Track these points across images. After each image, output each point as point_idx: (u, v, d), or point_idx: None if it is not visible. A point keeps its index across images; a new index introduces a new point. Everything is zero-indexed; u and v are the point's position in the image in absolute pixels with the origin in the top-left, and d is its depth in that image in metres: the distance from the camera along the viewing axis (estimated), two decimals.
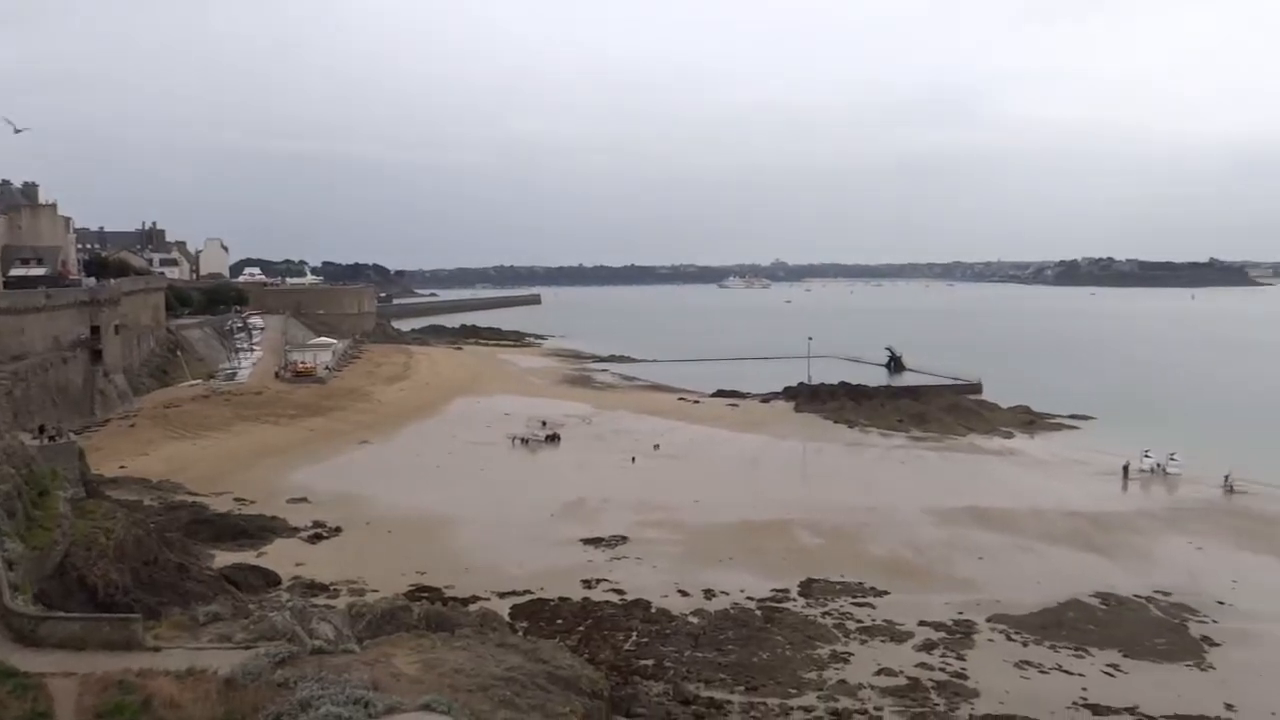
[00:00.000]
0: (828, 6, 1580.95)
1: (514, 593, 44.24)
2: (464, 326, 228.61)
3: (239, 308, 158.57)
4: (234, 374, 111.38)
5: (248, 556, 48.49)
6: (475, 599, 42.80)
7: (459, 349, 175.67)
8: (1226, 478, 68.71)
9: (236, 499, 60.51)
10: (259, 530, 53.21)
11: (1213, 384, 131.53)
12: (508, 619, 39.97)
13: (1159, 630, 41.08)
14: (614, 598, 44.11)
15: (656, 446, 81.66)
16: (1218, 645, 39.47)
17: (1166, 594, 45.56)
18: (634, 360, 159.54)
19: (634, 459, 76.24)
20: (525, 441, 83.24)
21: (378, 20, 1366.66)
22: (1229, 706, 33.60)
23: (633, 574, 47.66)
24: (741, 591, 44.84)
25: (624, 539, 53.78)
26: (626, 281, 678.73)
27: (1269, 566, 51.07)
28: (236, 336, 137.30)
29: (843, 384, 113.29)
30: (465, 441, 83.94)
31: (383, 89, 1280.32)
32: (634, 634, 39.53)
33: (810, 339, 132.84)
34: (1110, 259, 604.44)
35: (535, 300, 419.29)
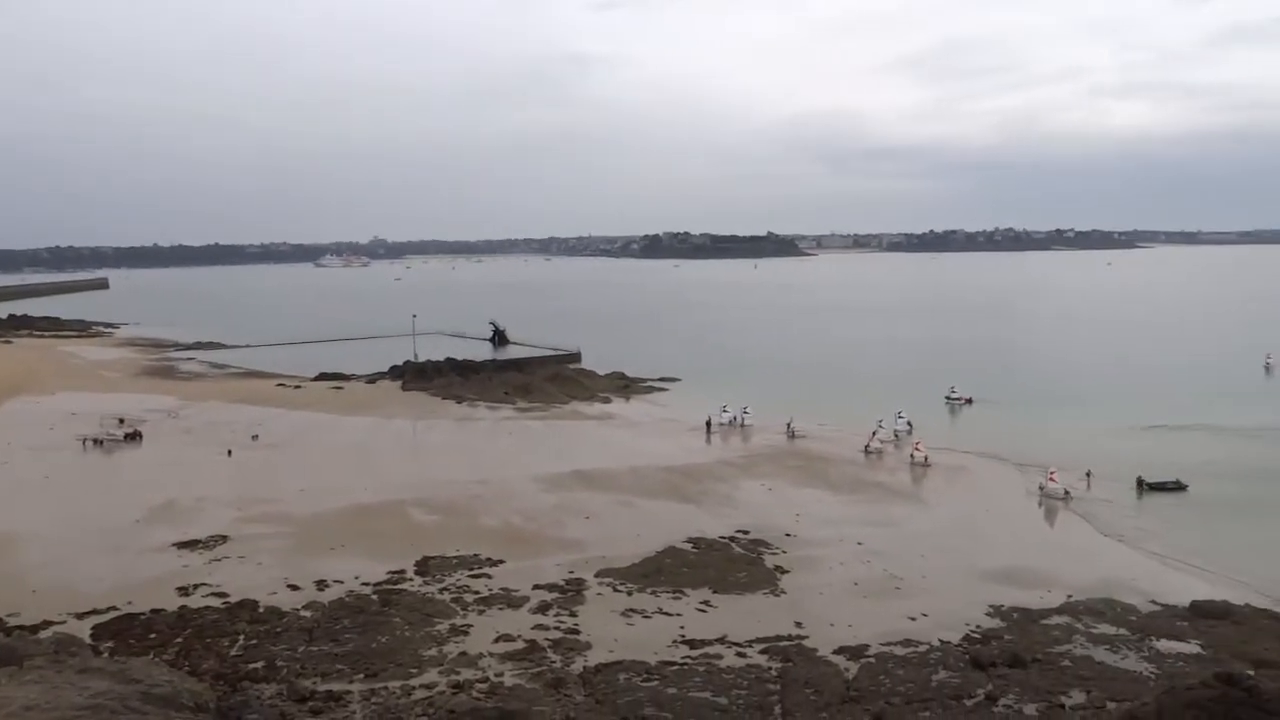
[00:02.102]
0: None
1: (95, 611, 39.60)
2: (12, 316, 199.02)
3: None
4: None
5: None
6: (47, 624, 37.76)
7: (8, 342, 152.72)
8: (789, 425, 78.45)
9: None
10: None
11: (775, 342, 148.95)
12: (89, 641, 35.76)
13: (741, 566, 46.03)
14: (216, 602, 41.05)
15: (255, 437, 76.84)
16: (788, 573, 45.04)
17: (746, 532, 51.13)
18: (224, 346, 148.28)
19: (230, 452, 71.17)
20: (99, 442, 74.50)
21: None
22: (798, 624, 38.51)
23: (236, 574, 44.64)
24: (356, 578, 43.71)
25: (224, 538, 50.16)
26: (211, 262, 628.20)
27: (822, 499, 59.09)
28: None
29: (449, 360, 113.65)
30: (23, 448, 73.38)
31: None
32: (241, 637, 37.11)
33: (415, 316, 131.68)
34: (688, 233, 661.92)
35: (102, 284, 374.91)
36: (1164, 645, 36.35)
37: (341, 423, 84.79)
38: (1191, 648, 36.05)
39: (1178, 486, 59.93)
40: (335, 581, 43.30)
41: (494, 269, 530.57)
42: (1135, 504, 58.18)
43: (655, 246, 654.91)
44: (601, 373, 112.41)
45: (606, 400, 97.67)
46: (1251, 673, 30.67)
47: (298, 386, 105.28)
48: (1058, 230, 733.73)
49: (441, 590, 42.56)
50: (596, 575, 44.43)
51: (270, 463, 68.63)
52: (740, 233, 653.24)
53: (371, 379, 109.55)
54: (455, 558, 46.83)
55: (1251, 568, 45.74)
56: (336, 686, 32.65)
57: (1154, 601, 40.99)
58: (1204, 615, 39.15)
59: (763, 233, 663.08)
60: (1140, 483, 60.45)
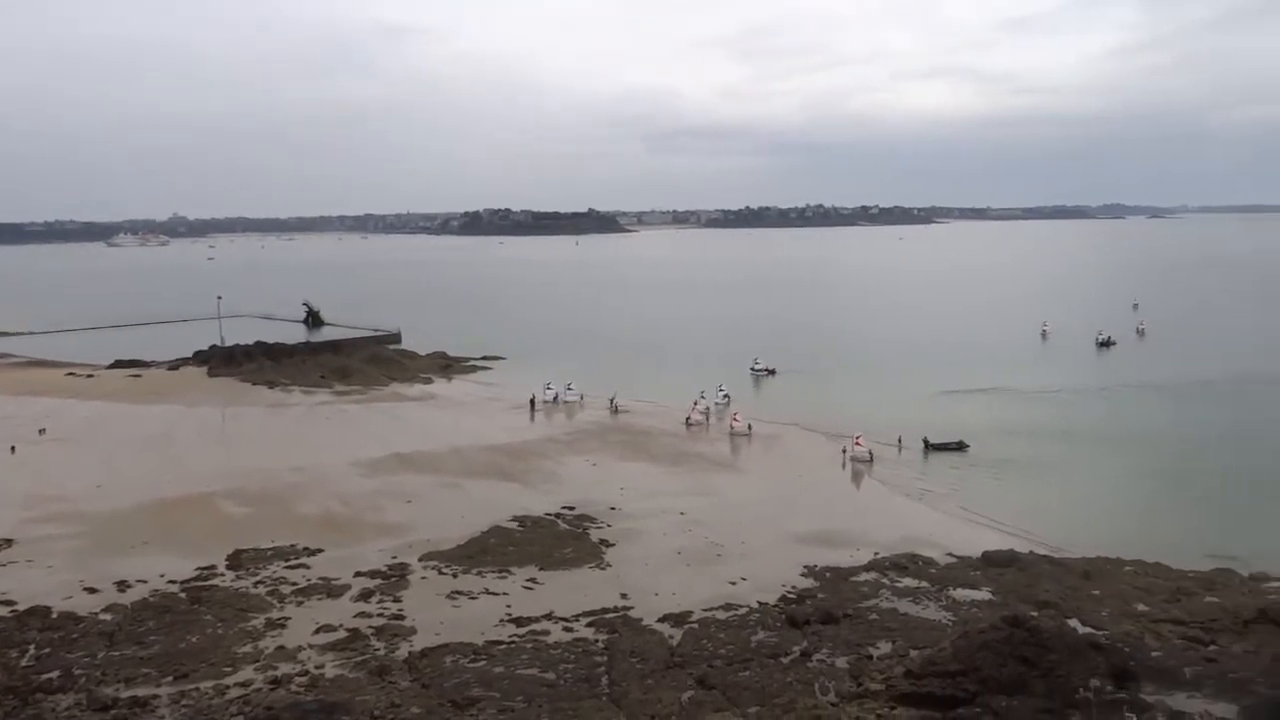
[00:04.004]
0: None
1: None
2: None
3: None
4: None
5: None
6: None
7: None
8: (612, 400, 79.39)
9: None
10: None
11: (597, 318, 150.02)
12: None
13: (567, 541, 46.40)
14: (2, 610, 37.96)
15: (42, 431, 71.25)
16: (613, 546, 45.73)
17: (571, 508, 51.51)
18: (4, 334, 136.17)
19: (13, 448, 65.69)
20: None
21: None
22: (624, 596, 39.21)
23: (24, 580, 41.35)
24: (162, 576, 41.36)
25: (8, 542, 46.36)
26: None
27: (645, 472, 60.22)
28: None
29: (259, 344, 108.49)
30: None
31: None
32: (32, 647, 34.48)
33: (220, 298, 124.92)
34: (509, 210, 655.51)
35: None
36: (960, 594, 39.16)
37: (141, 412, 79.69)
38: (984, 594, 38.99)
39: (960, 446, 64.47)
40: (138, 581, 40.81)
41: (306, 247, 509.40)
42: (925, 464, 62.11)
43: (476, 224, 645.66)
44: (423, 353, 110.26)
45: (428, 381, 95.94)
46: (1034, 613, 33.57)
47: (90, 375, 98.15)
48: (863, 207, 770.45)
49: (256, 584, 40.87)
50: (420, 559, 43.75)
51: (60, 458, 63.85)
52: (562, 210, 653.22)
53: (174, 365, 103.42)
54: (270, 549, 45.03)
55: (1032, 518, 49.94)
56: (142, 691, 30.90)
57: (950, 554, 44.04)
58: (994, 564, 42.38)
59: (584, 209, 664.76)
60: (926, 443, 64.72)
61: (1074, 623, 34.50)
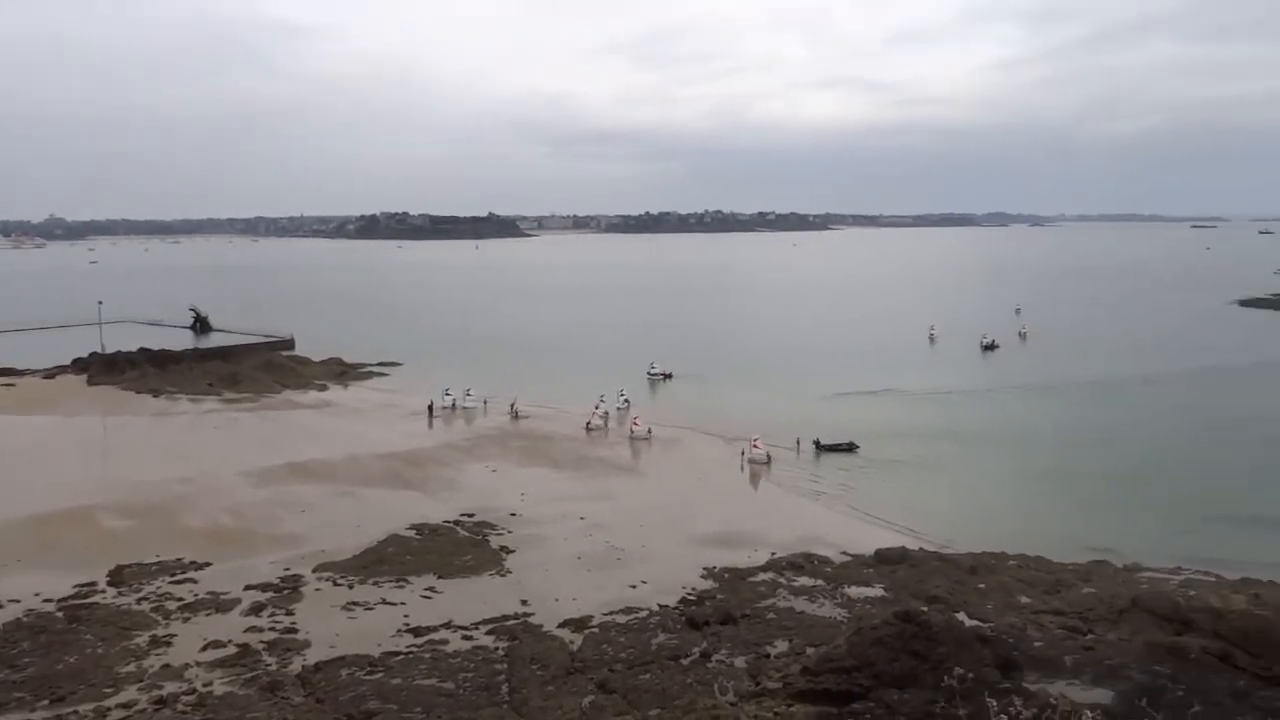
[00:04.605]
0: None
1: None
2: None
3: None
4: None
5: None
6: None
7: None
8: (512, 405, 78.89)
9: None
10: None
11: (496, 323, 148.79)
12: None
13: (466, 549, 45.89)
14: None
15: None
16: (513, 552, 45.43)
17: (471, 515, 50.99)
18: None
19: None
20: None
21: None
22: (524, 603, 38.99)
23: None
24: (36, 595, 39.39)
25: None
26: None
27: (546, 477, 60.02)
28: None
29: (143, 350, 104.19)
30: None
31: None
32: None
33: (100, 303, 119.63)
34: (406, 214, 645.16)
35: None
36: (854, 591, 40.14)
37: (14, 423, 75.74)
38: (876, 591, 40.05)
39: (850, 448, 66.17)
40: (10, 601, 38.77)
41: (194, 251, 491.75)
42: (818, 465, 63.49)
43: (372, 227, 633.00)
44: (317, 359, 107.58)
45: (323, 388, 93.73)
46: (925, 608, 34.60)
47: None
48: (761, 213, 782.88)
49: (140, 600, 39.28)
50: (315, 570, 42.71)
51: None
52: (461, 213, 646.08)
53: (50, 374, 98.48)
54: (155, 564, 43.35)
55: (921, 516, 51.58)
56: (16, 716, 29.38)
57: (844, 553, 45.12)
58: (886, 561, 43.61)
59: (484, 213, 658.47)
60: (817, 444, 66.24)
61: (962, 616, 35.72)
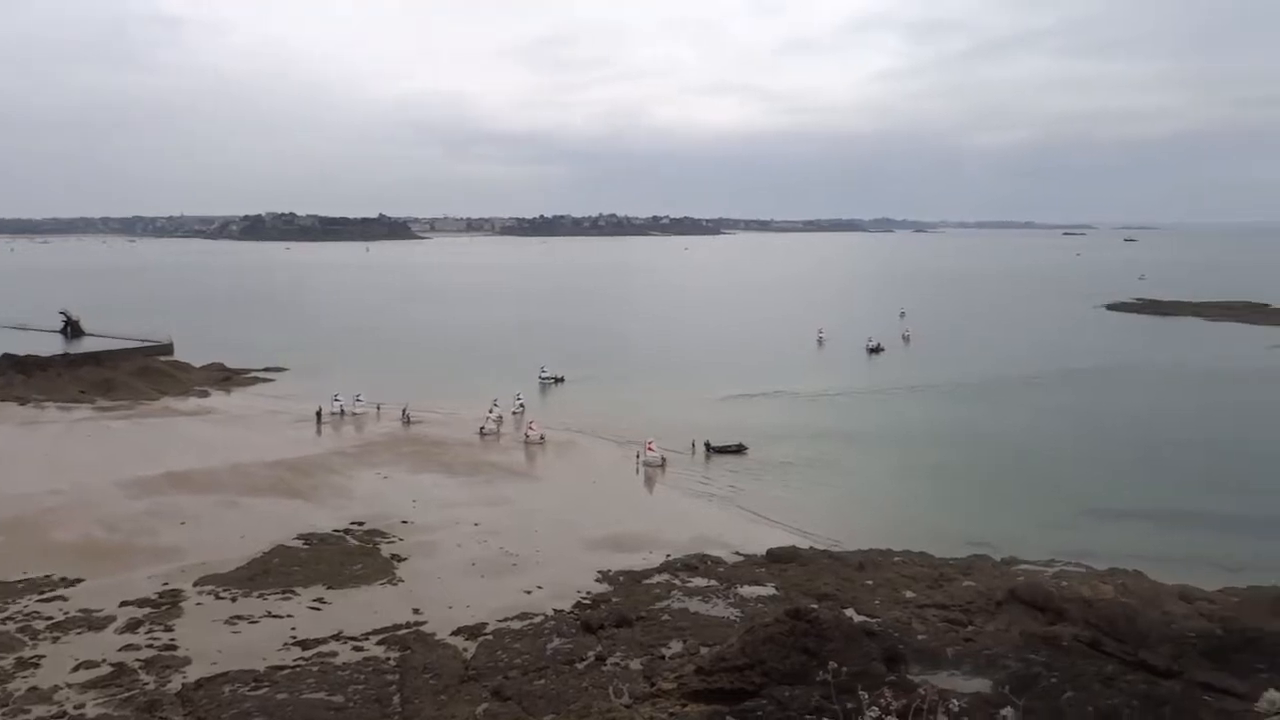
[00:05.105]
0: None
1: None
2: None
3: None
4: None
5: None
6: None
7: None
8: (404, 410, 77.55)
9: None
10: None
11: (387, 326, 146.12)
12: None
13: (356, 558, 44.93)
14: None
15: None
16: (405, 560, 44.68)
17: (361, 523, 49.92)
18: None
19: None
20: None
21: None
22: (416, 611, 38.39)
23: None
24: None
25: None
26: None
27: (439, 483, 59.21)
28: None
29: (8, 356, 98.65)
30: None
31: None
32: None
33: None
34: (293, 214, 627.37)
35: None
36: (747, 591, 40.80)
37: None
38: (769, 590, 40.79)
39: (739, 449, 67.24)
40: None
41: (65, 251, 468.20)
42: (709, 467, 64.30)
43: (258, 228, 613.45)
44: (198, 365, 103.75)
45: (205, 394, 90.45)
46: (815, 605, 35.39)
47: None
48: (655, 217, 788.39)
49: (4, 620, 37.20)
50: (196, 584, 41.18)
51: None
52: (351, 214, 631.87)
53: None
54: (20, 582, 41.09)
55: (811, 515, 52.80)
56: None
57: (737, 553, 45.81)
58: (777, 560, 44.46)
59: (374, 215, 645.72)
60: (708, 446, 67.10)
61: (850, 612, 36.68)
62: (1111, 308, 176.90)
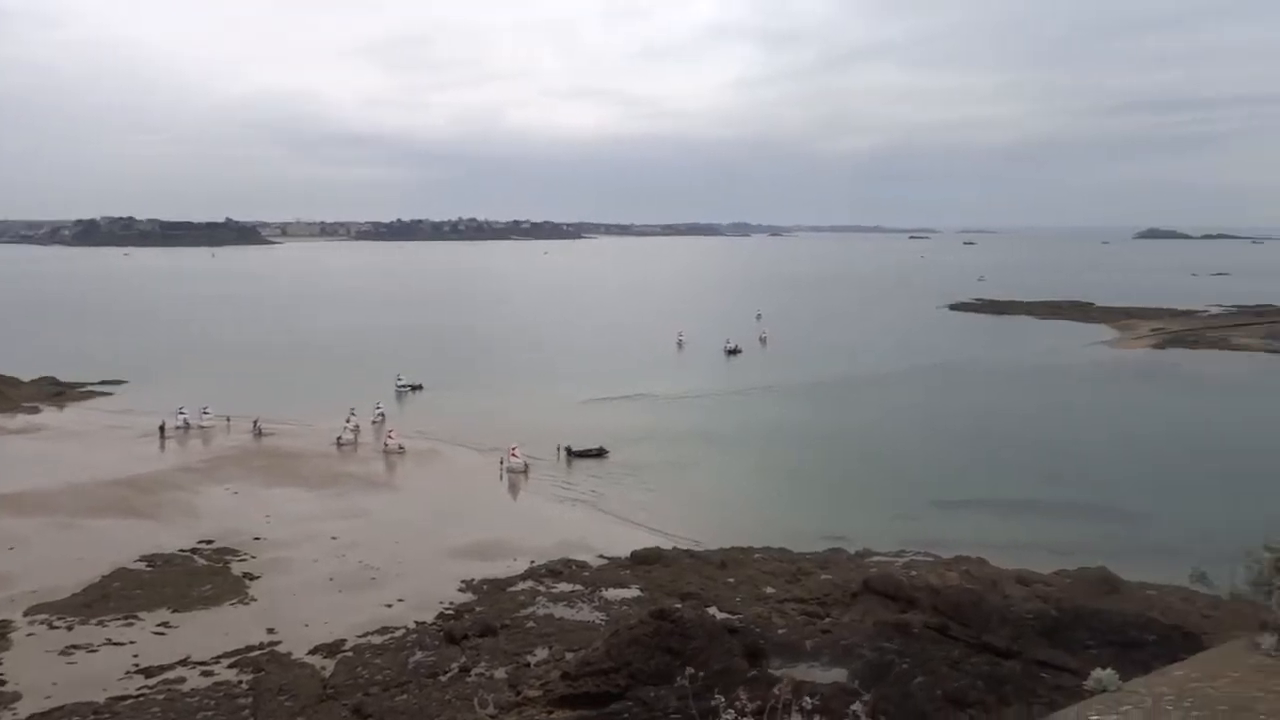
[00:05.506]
0: None
1: None
2: None
3: None
4: None
5: None
6: None
7: None
8: (255, 423, 74.51)
9: None
10: None
11: (234, 336, 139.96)
12: None
13: (204, 578, 42.97)
14: None
15: None
16: (258, 578, 43.01)
17: (210, 542, 47.77)
18: None
19: None
20: None
21: None
22: (271, 631, 37.01)
23: None
24: None
25: None
26: None
27: (294, 497, 57.22)
28: None
29: None
30: None
31: None
32: None
33: None
34: (132, 218, 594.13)
35: None
36: (611, 593, 41.02)
37: None
38: (633, 592, 41.13)
39: (600, 453, 67.61)
40: None
41: None
42: (571, 472, 64.37)
43: (92, 232, 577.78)
44: (26, 379, 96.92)
45: (35, 410, 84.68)
46: (679, 605, 35.92)
47: None
48: (515, 221, 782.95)
49: None
50: (26, 613, 38.59)
51: None
52: (195, 219, 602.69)
53: None
54: None
55: (672, 516, 53.51)
56: None
57: (602, 556, 46.00)
58: (641, 562, 44.87)
59: (221, 219, 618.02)
60: (568, 451, 67.16)
61: (713, 610, 37.36)
62: (954, 307, 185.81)
